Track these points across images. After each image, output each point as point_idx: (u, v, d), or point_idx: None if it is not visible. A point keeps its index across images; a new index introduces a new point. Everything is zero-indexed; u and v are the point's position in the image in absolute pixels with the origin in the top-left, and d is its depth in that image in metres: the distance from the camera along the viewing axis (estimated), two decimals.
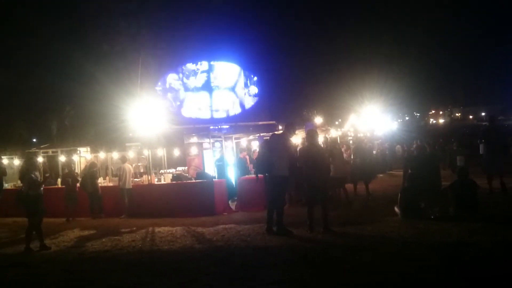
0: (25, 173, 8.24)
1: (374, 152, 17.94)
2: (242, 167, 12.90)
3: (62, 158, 15.14)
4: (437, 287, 4.63)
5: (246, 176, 12.11)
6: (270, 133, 10.61)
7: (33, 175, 8.13)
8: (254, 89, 21.05)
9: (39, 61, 23.76)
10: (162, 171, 13.62)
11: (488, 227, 6.93)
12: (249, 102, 20.84)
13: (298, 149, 9.55)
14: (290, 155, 8.00)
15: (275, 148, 7.84)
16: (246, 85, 20.82)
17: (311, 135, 8.08)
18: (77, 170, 15.41)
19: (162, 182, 12.64)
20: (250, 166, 12.97)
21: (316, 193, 7.78)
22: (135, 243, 8.07)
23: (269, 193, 7.95)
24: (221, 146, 13.99)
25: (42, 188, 8.25)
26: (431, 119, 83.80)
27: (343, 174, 10.94)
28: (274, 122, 18.27)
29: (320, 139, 12.12)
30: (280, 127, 16.72)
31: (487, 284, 4.62)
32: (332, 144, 10.67)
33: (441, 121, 79.46)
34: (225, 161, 13.29)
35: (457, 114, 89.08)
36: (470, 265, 5.22)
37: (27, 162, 8.73)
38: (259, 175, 8.26)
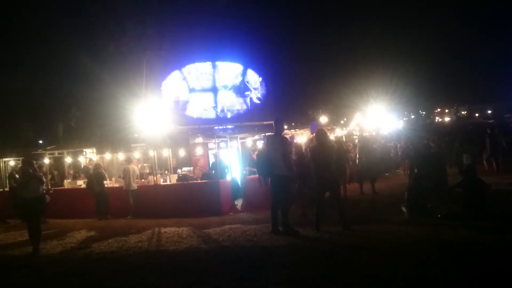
0: (16, 176, 8.26)
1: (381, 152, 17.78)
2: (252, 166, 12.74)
3: (68, 160, 15.21)
4: (445, 286, 4.60)
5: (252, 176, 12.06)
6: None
7: (34, 177, 8.17)
8: (259, 89, 21.02)
9: (44, 63, 23.98)
10: (167, 171, 13.64)
11: (495, 226, 6.89)
12: (254, 102, 20.81)
13: (305, 148, 9.48)
14: (286, 153, 7.92)
15: (272, 148, 7.87)
16: (251, 85, 20.80)
17: (320, 134, 8.05)
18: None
19: (168, 182, 12.66)
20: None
21: (324, 192, 7.78)
22: (142, 243, 8.09)
23: (272, 193, 7.96)
24: (226, 145, 13.97)
25: (43, 190, 8.30)
26: (437, 117, 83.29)
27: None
28: None
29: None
30: (285, 127, 16.62)
31: (495, 283, 4.58)
32: (338, 143, 10.52)
33: (447, 119, 78.92)
34: (224, 163, 13.18)
35: (463, 112, 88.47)
36: (477, 264, 5.18)
37: (23, 166, 8.74)
38: (260, 176, 8.29)
